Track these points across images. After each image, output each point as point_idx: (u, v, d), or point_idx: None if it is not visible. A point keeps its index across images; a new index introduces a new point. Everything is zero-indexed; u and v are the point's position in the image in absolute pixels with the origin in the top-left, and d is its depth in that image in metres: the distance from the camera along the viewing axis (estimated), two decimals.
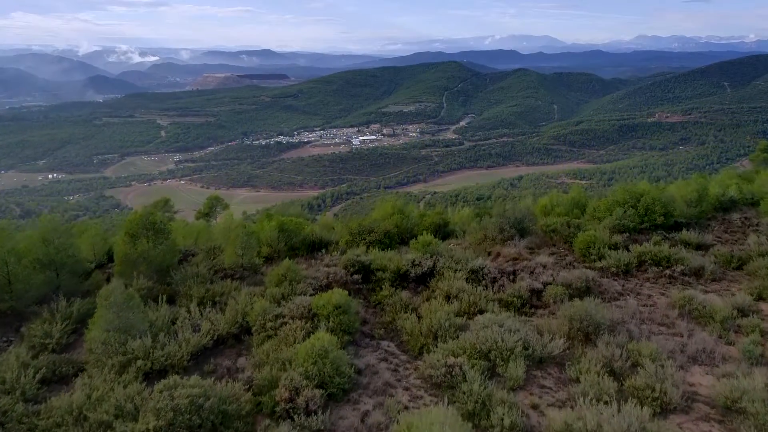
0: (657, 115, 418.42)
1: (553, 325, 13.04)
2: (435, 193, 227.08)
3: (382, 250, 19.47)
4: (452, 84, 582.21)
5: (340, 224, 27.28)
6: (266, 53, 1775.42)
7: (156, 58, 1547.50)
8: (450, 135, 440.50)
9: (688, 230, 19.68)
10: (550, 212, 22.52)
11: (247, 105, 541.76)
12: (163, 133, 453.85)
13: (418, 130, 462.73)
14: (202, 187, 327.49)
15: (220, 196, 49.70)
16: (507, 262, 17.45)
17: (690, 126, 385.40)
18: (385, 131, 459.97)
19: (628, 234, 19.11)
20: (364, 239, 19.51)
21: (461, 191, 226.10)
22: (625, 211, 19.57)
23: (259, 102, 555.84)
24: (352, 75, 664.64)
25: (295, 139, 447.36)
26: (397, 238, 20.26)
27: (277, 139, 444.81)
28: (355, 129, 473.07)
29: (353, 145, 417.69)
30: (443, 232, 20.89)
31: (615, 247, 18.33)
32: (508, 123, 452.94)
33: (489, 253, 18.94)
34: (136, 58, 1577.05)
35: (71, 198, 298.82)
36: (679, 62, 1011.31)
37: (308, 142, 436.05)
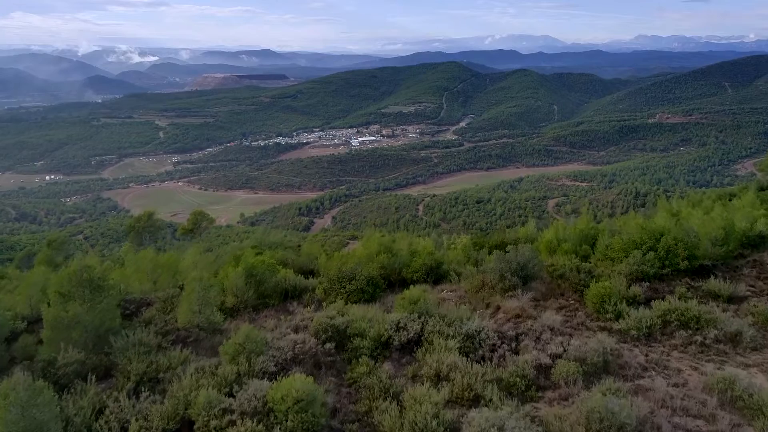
0: (658, 116, 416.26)
1: (566, 424, 10.44)
2: (434, 195, 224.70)
3: (365, 301, 16.90)
4: (452, 84, 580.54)
5: (324, 255, 24.63)
6: (266, 53, 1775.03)
7: (155, 58, 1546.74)
8: (450, 136, 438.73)
9: (715, 277, 17.12)
10: (557, 249, 19.89)
11: (246, 105, 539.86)
12: (161, 134, 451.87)
13: (417, 130, 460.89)
14: (200, 188, 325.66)
15: (205, 211, 47.41)
16: (508, 320, 14.92)
17: (691, 127, 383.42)
18: (384, 132, 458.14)
19: (647, 282, 16.54)
20: (344, 288, 16.93)
21: (461, 194, 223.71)
22: (644, 254, 16.95)
23: (258, 102, 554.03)
24: (351, 75, 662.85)
25: (294, 140, 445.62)
26: (383, 284, 17.69)
27: (276, 140, 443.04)
28: (355, 130, 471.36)
29: (352, 146, 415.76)
30: (436, 273, 18.29)
31: (633, 300, 15.75)
32: (508, 124, 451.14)
33: (487, 305, 16.36)
34: (136, 58, 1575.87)
35: (68, 200, 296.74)
36: (680, 62, 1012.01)
37: (307, 143, 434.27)
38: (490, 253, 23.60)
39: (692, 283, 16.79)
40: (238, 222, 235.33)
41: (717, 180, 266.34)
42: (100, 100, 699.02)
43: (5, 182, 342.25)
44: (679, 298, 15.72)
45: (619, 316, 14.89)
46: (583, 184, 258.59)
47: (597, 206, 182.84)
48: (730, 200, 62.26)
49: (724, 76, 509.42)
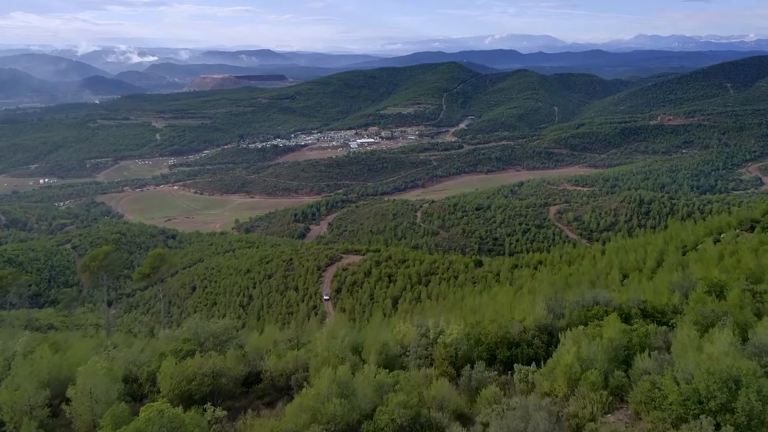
0: (659, 117, 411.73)
1: None
2: (433, 201, 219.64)
3: None
4: (451, 85, 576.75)
5: (274, 356, 19.51)
6: (266, 53, 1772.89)
7: (155, 58, 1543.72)
8: (449, 138, 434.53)
9: None
10: (579, 378, 14.52)
11: (244, 107, 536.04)
12: (158, 136, 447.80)
13: (416, 132, 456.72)
14: (196, 192, 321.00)
15: (164, 253, 42.17)
16: None
17: (693, 129, 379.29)
18: (383, 134, 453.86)
19: None
20: None
21: (460, 199, 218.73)
22: (714, 419, 11.53)
23: (257, 104, 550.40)
24: (350, 76, 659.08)
25: (292, 142, 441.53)
26: None
27: (274, 142, 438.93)
28: (353, 131, 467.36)
29: (351, 148, 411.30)
30: (411, 429, 12.91)
31: None
32: (508, 125, 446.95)
33: None
34: (135, 59, 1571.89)
35: (62, 204, 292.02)
36: (680, 62, 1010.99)
37: (305, 145, 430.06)
38: (488, 360, 18.43)
39: None
40: (232, 228, 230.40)
41: (721, 185, 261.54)
42: (97, 101, 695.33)
43: None
44: None
45: None
46: (585, 189, 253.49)
47: (600, 214, 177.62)
48: (752, 228, 56.73)
49: (726, 77, 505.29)
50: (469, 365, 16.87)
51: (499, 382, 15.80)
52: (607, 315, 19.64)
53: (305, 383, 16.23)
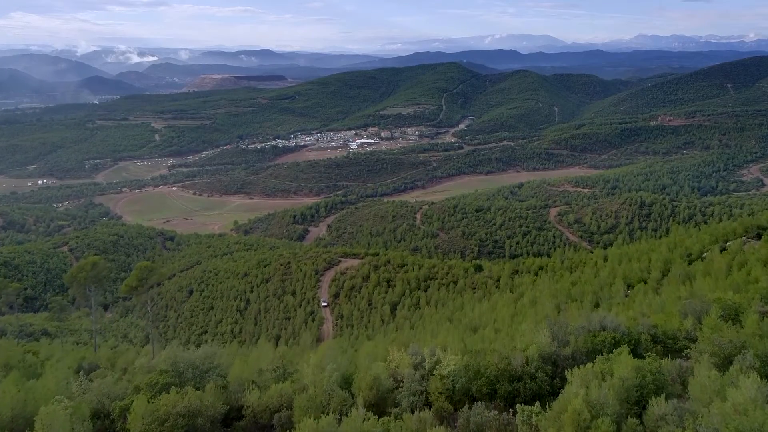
0: (660, 118, 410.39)
1: None
2: (432, 203, 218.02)
3: None
4: (451, 85, 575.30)
5: (258, 389, 18.30)
6: (265, 53, 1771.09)
7: (155, 58, 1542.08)
8: (449, 138, 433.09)
9: None
10: (589, 426, 13.16)
11: (243, 107, 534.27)
12: (157, 137, 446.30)
13: (416, 133, 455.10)
14: (195, 193, 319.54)
15: (152, 265, 40.78)
16: None
17: (693, 129, 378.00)
18: (383, 134, 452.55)
19: None
20: None
21: (459, 201, 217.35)
22: None
23: (256, 104, 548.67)
24: (350, 77, 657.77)
25: (292, 143, 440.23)
26: None
27: (273, 143, 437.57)
28: (353, 132, 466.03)
29: (351, 149, 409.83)
30: None
31: None
32: (508, 126, 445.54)
33: None
34: (135, 59, 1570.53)
35: (60, 205, 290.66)
36: (680, 62, 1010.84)
37: (305, 146, 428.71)
38: (488, 395, 17.16)
39: None
40: (231, 229, 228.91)
41: (722, 186, 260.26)
42: (96, 101, 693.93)
43: None
44: None
45: None
46: (585, 190, 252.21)
47: (600, 216, 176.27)
48: (758, 236, 55.39)
49: (726, 77, 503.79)
50: (467, 403, 15.52)
51: (500, 423, 14.47)
52: (616, 342, 18.34)
53: (289, 423, 15.00)
